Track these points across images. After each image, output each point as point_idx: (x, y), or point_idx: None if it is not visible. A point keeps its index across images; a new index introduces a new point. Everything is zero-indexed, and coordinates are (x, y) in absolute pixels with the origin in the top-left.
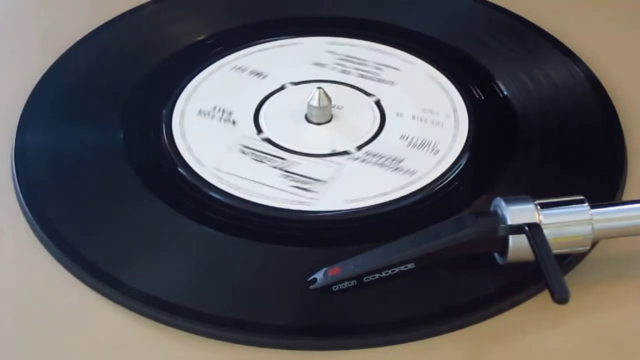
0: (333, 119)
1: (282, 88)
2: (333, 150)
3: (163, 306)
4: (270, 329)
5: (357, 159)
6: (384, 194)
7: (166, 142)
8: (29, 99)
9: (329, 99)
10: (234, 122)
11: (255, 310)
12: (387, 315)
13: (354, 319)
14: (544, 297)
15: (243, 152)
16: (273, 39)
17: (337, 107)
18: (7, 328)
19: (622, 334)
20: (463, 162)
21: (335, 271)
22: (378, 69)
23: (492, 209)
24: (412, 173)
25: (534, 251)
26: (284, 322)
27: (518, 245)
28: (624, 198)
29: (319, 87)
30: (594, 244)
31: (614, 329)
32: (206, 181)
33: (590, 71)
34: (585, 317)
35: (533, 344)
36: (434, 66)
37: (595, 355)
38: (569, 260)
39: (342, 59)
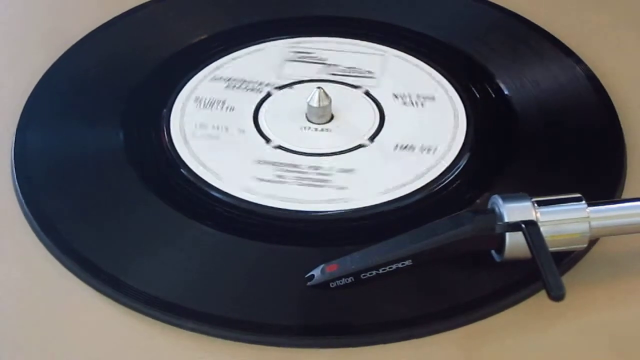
0: (333, 117)
1: (268, 95)
2: (349, 146)
3: (163, 306)
4: (269, 327)
5: (374, 149)
6: (418, 177)
7: (166, 142)
8: (29, 99)
9: (329, 98)
10: (238, 135)
11: (254, 309)
12: (385, 314)
13: (352, 317)
14: (543, 296)
15: (260, 163)
16: (242, 46)
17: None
18: (7, 328)
19: (623, 332)
20: (463, 162)
21: (333, 268)
22: (355, 63)
23: (489, 206)
24: (435, 150)
25: (530, 249)
26: (283, 321)
27: (515, 242)
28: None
29: (318, 87)
30: (593, 241)
31: (614, 328)
32: (206, 181)
33: (590, 71)
34: (585, 316)
35: (532, 343)
36: (433, 66)
37: (595, 354)
38: (569, 259)
39: (315, 58)
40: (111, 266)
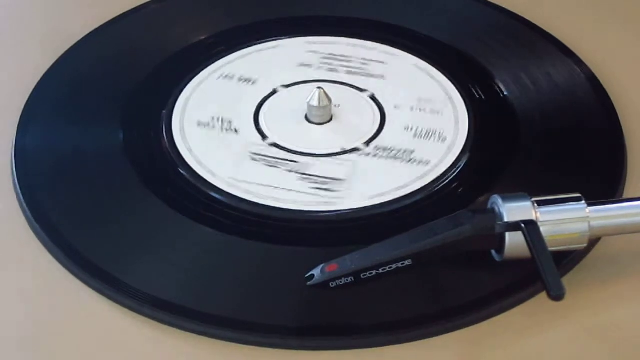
0: (333, 118)
1: (274, 92)
2: (342, 149)
3: (163, 306)
4: (269, 328)
5: (368, 154)
6: (404, 186)
7: (166, 142)
8: (29, 99)
9: (329, 99)
10: (236, 130)
11: (253, 309)
12: (385, 316)
13: (352, 318)
14: (543, 296)
15: (254, 160)
16: (253, 43)
17: (335, 106)
18: (7, 328)
19: (623, 332)
20: (463, 162)
21: (333, 267)
22: (366, 66)
23: (489, 206)
24: (427, 163)
25: (530, 248)
26: (283, 322)
27: (515, 242)
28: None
29: (318, 87)
30: (593, 242)
31: (615, 328)
32: (206, 181)
33: (590, 71)
34: (586, 316)
35: (533, 344)
36: (434, 66)
37: (595, 355)
38: (570, 259)
39: (327, 58)
40: (111, 266)
